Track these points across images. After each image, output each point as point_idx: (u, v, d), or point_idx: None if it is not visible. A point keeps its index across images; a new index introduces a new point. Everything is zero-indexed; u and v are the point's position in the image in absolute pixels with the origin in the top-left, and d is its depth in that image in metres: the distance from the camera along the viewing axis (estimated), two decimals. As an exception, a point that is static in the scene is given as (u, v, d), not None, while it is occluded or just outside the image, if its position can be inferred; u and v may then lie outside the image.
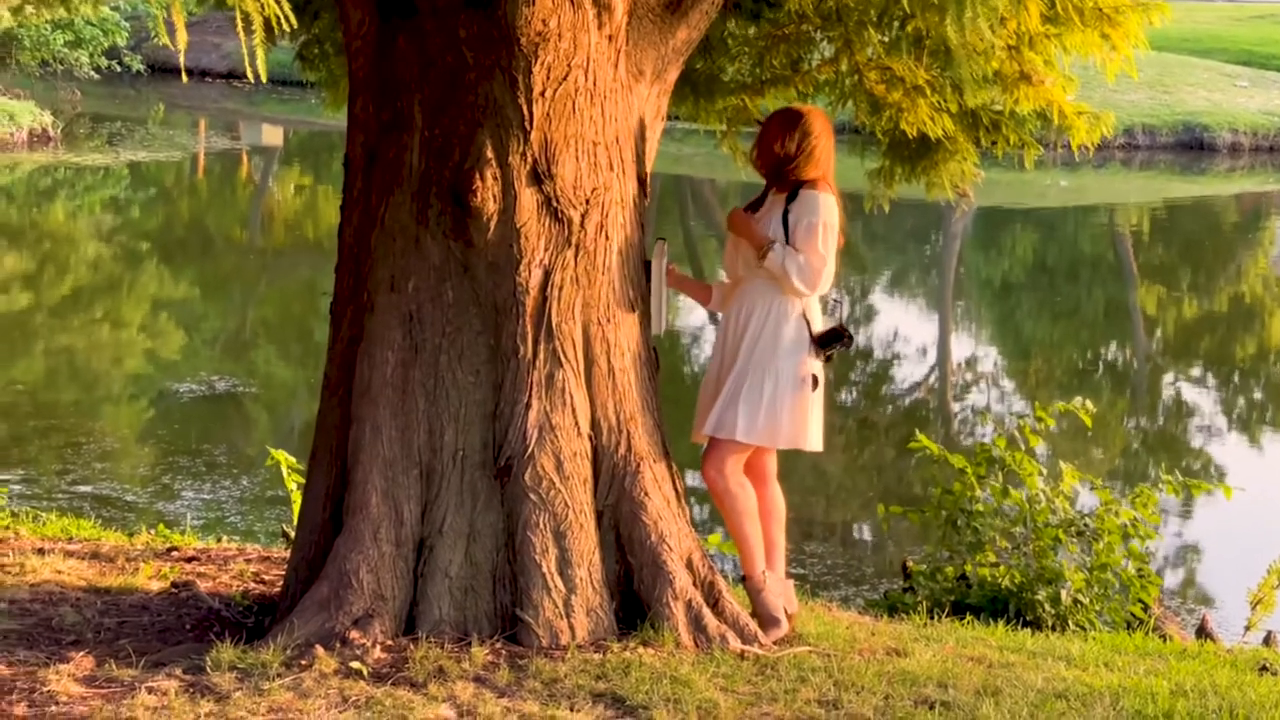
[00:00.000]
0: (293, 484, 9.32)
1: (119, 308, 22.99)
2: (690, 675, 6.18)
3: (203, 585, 7.62)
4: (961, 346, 23.70)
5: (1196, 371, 23.01)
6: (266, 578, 7.97)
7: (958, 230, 32.66)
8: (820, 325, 7.00)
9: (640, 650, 6.45)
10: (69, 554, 8.19)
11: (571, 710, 5.81)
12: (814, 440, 7.01)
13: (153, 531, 9.39)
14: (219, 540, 9.54)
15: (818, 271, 6.88)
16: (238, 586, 7.70)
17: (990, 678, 6.48)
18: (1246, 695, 6.46)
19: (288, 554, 8.62)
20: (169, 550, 8.53)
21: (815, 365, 6.98)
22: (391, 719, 5.67)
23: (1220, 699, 6.38)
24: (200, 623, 7.04)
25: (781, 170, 7.03)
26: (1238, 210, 41.84)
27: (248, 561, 8.30)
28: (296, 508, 9.36)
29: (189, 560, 8.29)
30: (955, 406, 19.59)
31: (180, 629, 6.97)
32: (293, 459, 9.44)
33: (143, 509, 12.28)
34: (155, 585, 7.59)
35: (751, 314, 6.95)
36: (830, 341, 6.98)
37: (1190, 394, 21.23)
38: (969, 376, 21.55)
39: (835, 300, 7.21)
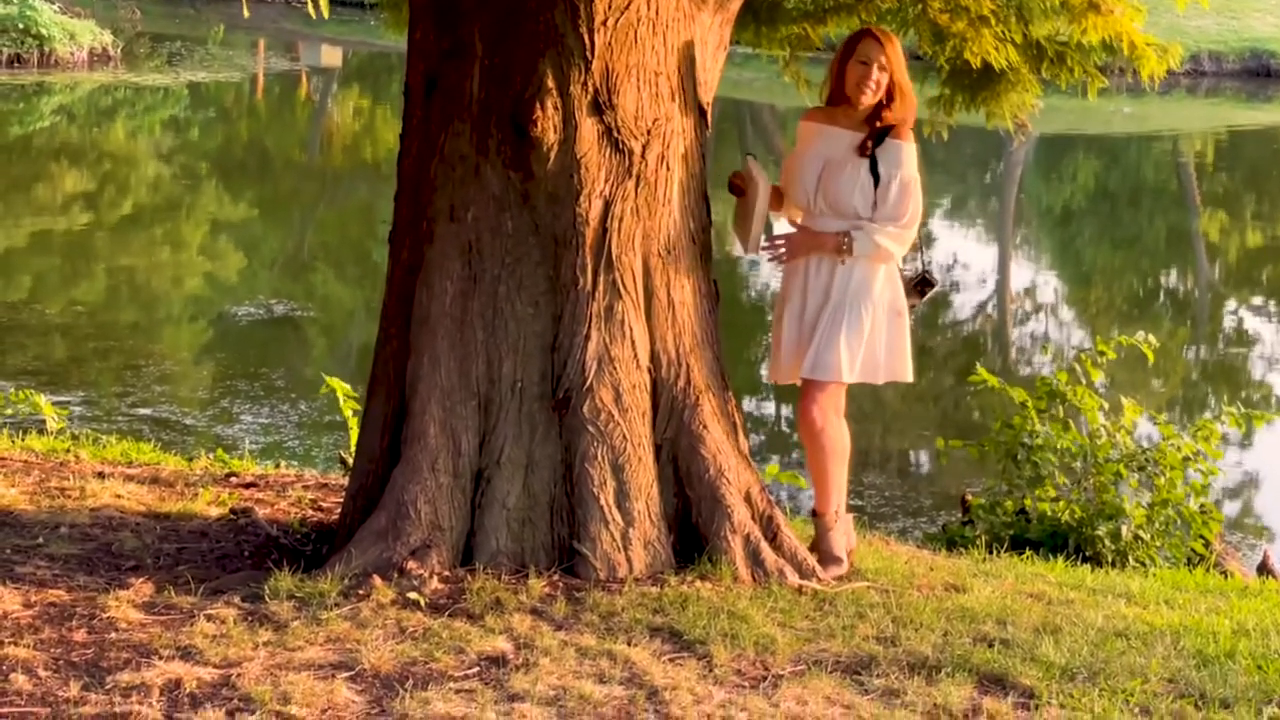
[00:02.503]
0: (349, 411, 9.32)
1: (178, 229, 23.04)
2: (747, 610, 6.15)
3: (261, 512, 7.63)
4: (1021, 274, 23.54)
5: (1259, 300, 22.83)
6: (324, 505, 7.98)
7: (1019, 157, 32.41)
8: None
9: (697, 584, 6.43)
10: (129, 478, 8.22)
11: (629, 644, 5.80)
12: (909, 371, 6.97)
13: (211, 456, 9.41)
14: (277, 466, 9.56)
15: (910, 236, 6.82)
16: (296, 513, 7.72)
17: (1050, 615, 6.44)
18: (1312, 637, 6.41)
19: (345, 481, 8.65)
20: (228, 476, 8.55)
21: (904, 298, 6.93)
22: (448, 651, 5.65)
23: (1281, 639, 6.33)
24: (259, 550, 7.06)
25: (875, 109, 6.90)
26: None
27: (306, 488, 8.32)
28: (354, 435, 9.38)
29: (247, 486, 8.31)
30: (1014, 334, 19.48)
31: (239, 556, 6.99)
32: (348, 386, 9.43)
33: (201, 432, 12.31)
34: (214, 511, 7.61)
35: (837, 262, 6.85)
36: (923, 289, 6.94)
37: (1252, 323, 21.04)
38: (1028, 305, 21.41)
39: (919, 244, 7.16)
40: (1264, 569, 8.76)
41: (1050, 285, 23.01)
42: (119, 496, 7.78)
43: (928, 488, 11.70)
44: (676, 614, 6.10)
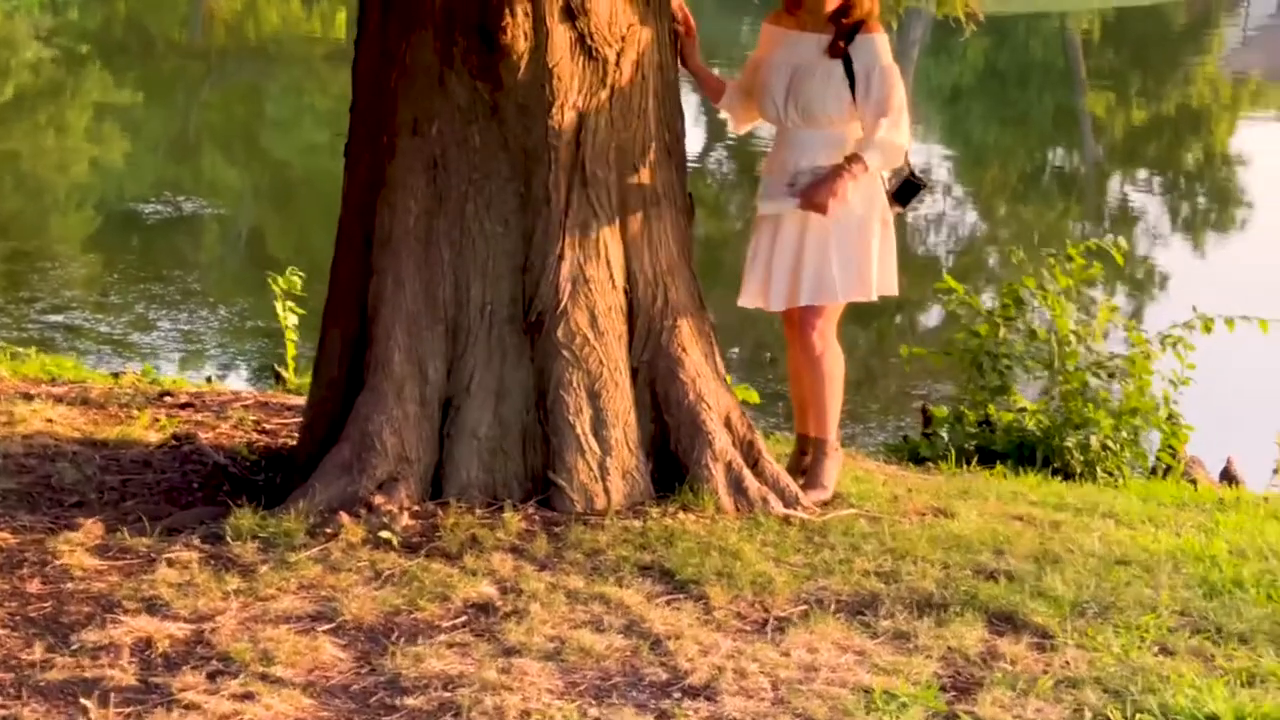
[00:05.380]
0: (287, 319, 8.92)
1: (62, 113, 22.38)
2: (739, 545, 5.88)
3: (203, 436, 7.27)
4: (915, 155, 23.34)
5: (1143, 175, 22.92)
6: (268, 426, 7.61)
7: (915, 37, 32.14)
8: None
9: (681, 516, 6.15)
10: (57, 399, 7.80)
11: (620, 585, 5.51)
12: (895, 284, 6.69)
13: (137, 371, 9.00)
14: (209, 381, 9.17)
15: (906, 124, 6.48)
16: (240, 438, 7.35)
17: (1044, 541, 6.21)
18: (1307, 557, 6.25)
19: (285, 398, 8.30)
20: (161, 395, 8.14)
21: (888, 207, 6.62)
22: (431, 598, 5.34)
23: (1280, 561, 6.16)
24: (207, 480, 6.71)
25: (838, 12, 6.54)
26: (1187, 14, 41.52)
27: (245, 408, 7.92)
28: (290, 347, 9.02)
29: (183, 407, 7.91)
30: (909, 216, 19.30)
31: (187, 488, 6.63)
32: (294, 280, 9.00)
33: (118, 341, 11.87)
34: (154, 437, 7.23)
35: (814, 168, 6.52)
36: (908, 194, 6.63)
37: (1137, 199, 21.29)
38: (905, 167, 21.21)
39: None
40: (1227, 475, 8.60)
41: (943, 165, 22.84)
42: (50, 421, 7.38)
43: (881, 395, 11.47)
44: (664, 550, 5.82)
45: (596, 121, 6.24)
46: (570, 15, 6.14)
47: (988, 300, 9.30)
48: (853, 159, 6.39)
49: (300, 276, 9.07)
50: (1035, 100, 30.81)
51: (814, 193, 6.41)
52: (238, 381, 10.73)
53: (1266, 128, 27.61)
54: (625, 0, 6.25)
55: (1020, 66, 33.57)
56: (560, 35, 6.14)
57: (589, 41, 6.18)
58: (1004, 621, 5.38)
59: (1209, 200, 21.46)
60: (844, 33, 6.51)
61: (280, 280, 9.01)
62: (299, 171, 20.50)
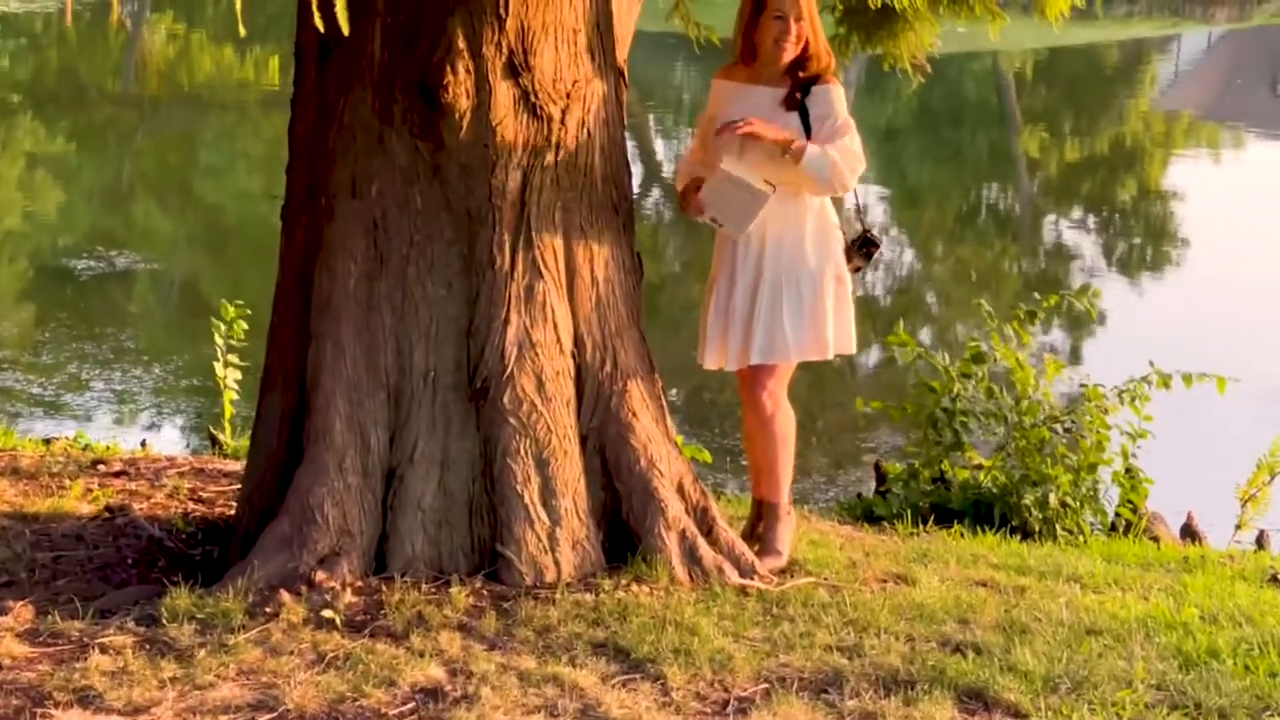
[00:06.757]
0: (226, 379, 8.65)
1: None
2: (695, 619, 5.66)
3: (138, 507, 7.02)
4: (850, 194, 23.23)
5: (1078, 214, 22.93)
6: (204, 495, 7.37)
7: (851, 79, 32.14)
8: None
9: (634, 588, 5.92)
10: (-14, 469, 7.54)
11: (573, 665, 5.28)
12: (853, 342, 6.50)
13: (70, 436, 8.72)
14: (143, 445, 8.90)
15: (859, 169, 6.30)
16: (176, 508, 7.10)
17: (1009, 609, 6.02)
18: (1281, 620, 6.08)
19: (221, 463, 8.06)
20: (94, 464, 7.87)
21: (844, 263, 6.44)
22: (377, 682, 5.10)
23: (1253, 627, 5.97)
24: (142, 555, 6.45)
25: (794, 65, 6.37)
26: (1119, 53, 41.75)
27: (181, 475, 7.68)
28: (228, 408, 8.77)
29: (116, 475, 7.66)
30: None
31: (121, 563, 6.37)
32: (239, 326, 8.71)
33: (49, 402, 11.56)
34: (87, 509, 6.97)
35: (766, 228, 6.32)
36: (864, 250, 6.45)
37: (1071, 236, 21.60)
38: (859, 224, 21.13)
39: (858, 204, 6.67)
40: (1188, 531, 8.43)
41: (879, 204, 22.76)
42: (-20, 494, 7.12)
43: (829, 448, 11.27)
44: (618, 626, 5.59)
45: (541, 180, 6.04)
46: (513, 72, 5.95)
47: (925, 337, 9.14)
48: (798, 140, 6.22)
49: (247, 315, 8.75)
50: (969, 139, 30.87)
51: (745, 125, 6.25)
52: (173, 441, 10.46)
53: (1198, 164, 27.68)
54: (569, 56, 6.05)
55: (954, 106, 33.64)
56: (503, 93, 5.94)
57: (533, 99, 5.98)
58: (974, 699, 5.18)
59: (1144, 237, 21.47)
60: (800, 85, 6.34)
61: (221, 328, 8.72)
62: (233, 219, 20.24)
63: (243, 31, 5.17)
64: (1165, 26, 46.20)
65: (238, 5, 5.02)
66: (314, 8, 4.84)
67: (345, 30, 4.94)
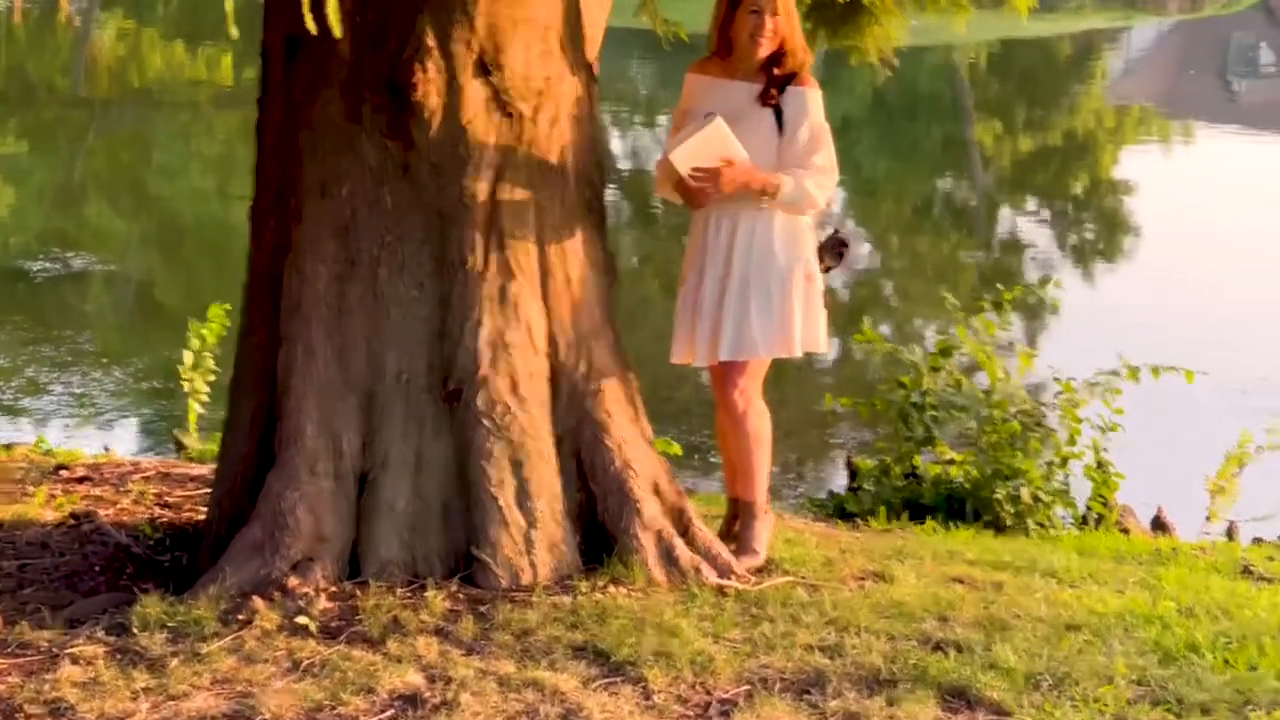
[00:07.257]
0: (196, 384, 8.56)
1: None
2: (675, 621, 5.60)
3: (103, 513, 6.94)
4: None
5: (1032, 205, 22.95)
6: (171, 500, 7.29)
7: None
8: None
9: (612, 590, 5.87)
10: (-54, 477, 7.45)
11: (552, 669, 5.22)
12: (824, 340, 6.45)
13: (30, 442, 8.63)
14: (106, 450, 8.80)
15: (832, 184, 6.27)
16: (143, 513, 7.02)
17: (988, 606, 5.99)
18: (1259, 615, 6.05)
19: (187, 467, 7.98)
20: (57, 469, 7.79)
21: (815, 263, 6.39)
22: (355, 689, 5.03)
23: (1230, 620, 5.96)
24: (110, 562, 6.37)
25: (770, 61, 6.33)
26: (1071, 45, 41.91)
27: (146, 479, 7.60)
28: (192, 414, 8.69)
29: (80, 480, 7.58)
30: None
31: (89, 571, 6.29)
32: (214, 326, 8.61)
33: (8, 406, 11.43)
34: (51, 515, 6.89)
35: (736, 222, 6.27)
36: (836, 250, 6.40)
37: (1025, 227, 21.59)
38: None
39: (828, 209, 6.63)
40: (1158, 524, 8.43)
41: (836, 196, 22.76)
42: (-59, 501, 7.02)
43: (799, 444, 11.22)
44: (597, 629, 5.53)
45: (513, 179, 5.98)
46: (484, 70, 5.89)
47: (885, 330, 9.10)
48: (774, 178, 6.17)
49: (227, 310, 8.63)
50: (924, 131, 30.93)
51: (720, 171, 6.17)
52: (135, 444, 10.34)
53: (1149, 156, 27.79)
54: (541, 54, 6.00)
55: (908, 98, 33.68)
56: (474, 91, 5.88)
57: (504, 97, 5.93)
58: (957, 698, 5.14)
59: (1098, 227, 21.53)
60: (776, 82, 6.29)
61: (200, 330, 8.62)
62: (189, 219, 20.11)
63: (234, 33, 5.07)
64: (1118, 18, 46.41)
65: (228, 6, 4.92)
66: (305, 9, 4.76)
67: (337, 33, 4.87)
